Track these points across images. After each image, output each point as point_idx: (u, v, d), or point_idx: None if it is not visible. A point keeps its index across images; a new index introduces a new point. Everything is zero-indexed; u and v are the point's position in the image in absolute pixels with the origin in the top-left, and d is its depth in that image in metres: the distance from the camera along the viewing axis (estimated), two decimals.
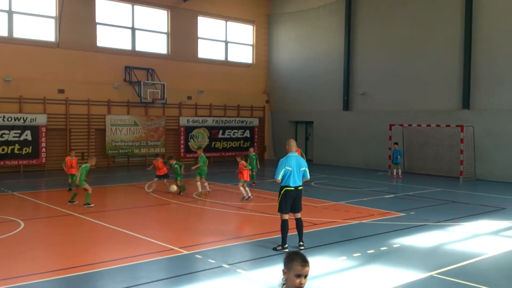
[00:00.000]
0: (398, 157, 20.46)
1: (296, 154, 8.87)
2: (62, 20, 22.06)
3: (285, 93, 28.48)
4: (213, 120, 26.81)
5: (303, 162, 8.82)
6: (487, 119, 19.76)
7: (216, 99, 27.09)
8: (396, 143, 20.79)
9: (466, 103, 20.49)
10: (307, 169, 8.83)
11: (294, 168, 8.61)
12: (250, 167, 15.62)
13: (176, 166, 15.12)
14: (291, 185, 8.60)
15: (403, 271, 7.54)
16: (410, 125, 21.54)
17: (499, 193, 15.97)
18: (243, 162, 14.39)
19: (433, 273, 7.41)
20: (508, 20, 19.32)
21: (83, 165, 13.32)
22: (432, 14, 21.71)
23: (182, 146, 25.77)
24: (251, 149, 17.80)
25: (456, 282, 7.03)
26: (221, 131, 27.14)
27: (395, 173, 20.46)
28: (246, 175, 14.22)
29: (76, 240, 9.46)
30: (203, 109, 26.72)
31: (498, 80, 19.60)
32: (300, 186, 8.73)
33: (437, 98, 21.48)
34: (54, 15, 22.16)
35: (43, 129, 21.39)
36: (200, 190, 14.67)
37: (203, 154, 15.11)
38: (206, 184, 14.93)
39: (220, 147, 27.09)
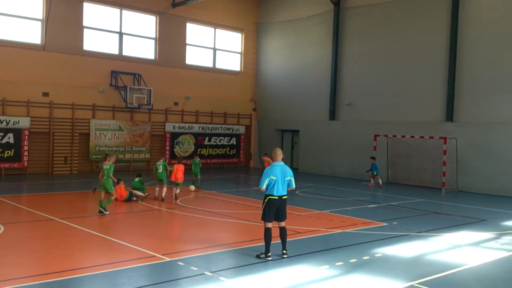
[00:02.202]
0: (372, 171, 21.08)
1: (282, 163, 8.87)
2: (48, 22, 21.90)
3: (272, 102, 28.58)
4: (199, 127, 26.76)
5: (289, 171, 8.82)
6: (470, 131, 20.05)
7: (203, 105, 27.07)
8: (372, 157, 21.21)
9: (449, 116, 20.79)
10: (292, 179, 8.84)
11: (278, 177, 8.62)
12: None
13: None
14: (275, 194, 8.61)
15: (384, 280, 7.58)
16: (394, 135, 21.76)
17: (480, 205, 16.19)
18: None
19: (414, 282, 7.46)
20: (493, 34, 19.70)
21: (108, 165, 12.64)
22: (418, 27, 22.04)
23: (167, 152, 25.64)
24: (196, 157, 18.78)
25: None
26: (207, 138, 27.09)
27: (372, 182, 21.06)
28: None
29: (57, 246, 9.33)
30: (189, 116, 26.67)
31: (482, 94, 19.93)
32: (284, 195, 8.73)
33: (422, 110, 21.76)
34: (40, 17, 21.99)
35: (26, 132, 21.12)
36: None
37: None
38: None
39: (206, 154, 27.01)
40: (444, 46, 21.04)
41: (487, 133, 19.54)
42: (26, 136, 21.14)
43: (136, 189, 15.34)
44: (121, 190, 14.59)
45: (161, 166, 15.12)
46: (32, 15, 21.87)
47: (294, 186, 8.92)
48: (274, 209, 8.65)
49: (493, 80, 19.59)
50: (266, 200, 8.68)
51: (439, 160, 20.17)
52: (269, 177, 8.61)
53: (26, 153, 21.23)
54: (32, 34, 21.90)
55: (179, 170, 15.39)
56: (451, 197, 18.34)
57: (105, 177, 12.63)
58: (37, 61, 21.73)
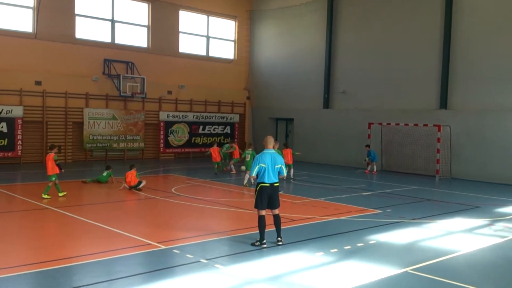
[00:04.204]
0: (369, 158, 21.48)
1: (272, 151, 8.87)
2: (40, 10, 21.64)
3: (266, 90, 28.50)
4: (193, 116, 26.68)
5: (279, 159, 8.83)
6: (463, 119, 20.13)
7: (196, 94, 26.95)
8: (367, 146, 21.65)
9: (443, 103, 20.84)
10: (283, 166, 8.86)
11: (268, 165, 8.63)
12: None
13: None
14: (266, 181, 8.63)
15: (378, 267, 7.64)
16: (388, 123, 21.82)
17: (473, 192, 16.31)
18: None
19: (408, 269, 7.53)
20: (487, 22, 19.69)
21: (251, 151, 15.31)
22: (412, 15, 21.98)
23: (161, 141, 25.59)
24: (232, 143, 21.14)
25: (430, 278, 7.17)
26: (201, 127, 27.03)
27: (369, 169, 21.48)
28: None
29: (52, 234, 9.33)
30: (183, 104, 26.56)
31: (475, 81, 19.97)
32: (275, 182, 8.75)
33: (416, 97, 21.80)
34: (32, 5, 21.72)
35: (19, 121, 20.99)
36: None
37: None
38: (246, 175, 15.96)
39: (200, 143, 26.99)
40: (438, 33, 21.02)
41: (480, 121, 19.62)
42: (20, 125, 21.00)
43: (100, 181, 15.89)
44: (132, 176, 14.75)
45: (249, 155, 16.61)
46: (24, 3, 21.60)
47: (285, 174, 8.97)
48: (266, 197, 8.68)
49: (487, 68, 19.62)
50: (258, 188, 8.71)
51: (433, 147, 20.27)
52: (258, 164, 8.64)
53: (19, 142, 21.11)
54: (24, 22, 21.65)
55: (288, 154, 17.65)
56: (445, 184, 18.46)
57: (249, 160, 15.64)
58: (29, 49, 21.51)
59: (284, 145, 18.62)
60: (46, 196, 12.89)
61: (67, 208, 11.73)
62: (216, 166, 19.66)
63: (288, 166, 17.15)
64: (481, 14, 19.86)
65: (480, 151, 19.53)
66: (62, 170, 13.44)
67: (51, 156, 13.09)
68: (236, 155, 20.04)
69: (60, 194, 13.24)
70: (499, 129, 19.06)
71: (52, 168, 13.01)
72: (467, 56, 20.22)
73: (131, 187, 14.67)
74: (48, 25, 21.90)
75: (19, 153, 21.17)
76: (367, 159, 21.47)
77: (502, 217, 12.05)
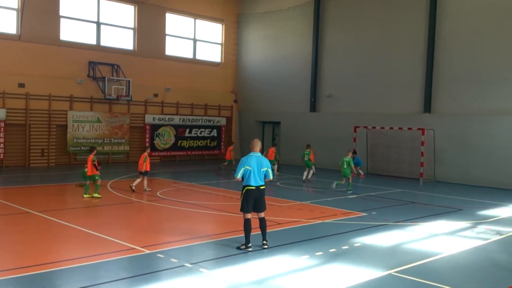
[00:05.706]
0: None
1: (259, 154, 8.86)
2: (24, 12, 21.39)
3: (253, 93, 28.53)
4: (180, 119, 26.58)
5: (265, 162, 8.82)
6: (447, 123, 20.37)
7: (183, 97, 26.87)
8: (353, 153, 21.56)
9: (427, 107, 21.08)
10: (269, 170, 8.84)
11: (254, 167, 8.62)
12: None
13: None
14: (252, 184, 8.62)
15: (363, 269, 7.69)
16: (374, 127, 21.98)
17: (457, 195, 16.50)
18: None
19: (392, 271, 7.58)
20: (471, 27, 19.98)
21: (349, 158, 16.11)
22: (397, 20, 22.23)
23: (147, 144, 25.38)
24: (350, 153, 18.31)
25: (414, 280, 7.22)
26: (187, 130, 26.93)
27: (355, 172, 21.45)
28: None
29: (35, 239, 9.20)
30: (169, 107, 26.45)
31: (459, 86, 20.24)
32: (262, 185, 8.74)
33: (400, 101, 22.02)
34: (16, 7, 21.48)
35: (2, 124, 20.69)
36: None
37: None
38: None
39: (187, 146, 26.90)
40: (422, 38, 21.28)
41: (464, 124, 19.87)
42: (2, 128, 20.70)
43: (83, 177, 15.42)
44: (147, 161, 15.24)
45: (345, 163, 16.37)
46: (8, 4, 21.34)
47: (271, 177, 8.92)
48: (252, 200, 8.66)
49: (471, 73, 19.89)
50: (244, 191, 8.69)
51: (417, 151, 20.47)
52: (244, 166, 8.62)
53: (1, 145, 20.81)
54: (7, 23, 21.38)
55: (312, 154, 19.62)
56: (429, 187, 18.65)
57: (345, 167, 16.01)
58: (13, 51, 21.25)
59: (307, 146, 20.26)
60: (87, 196, 13.69)
61: (50, 212, 11.58)
62: (225, 163, 22.22)
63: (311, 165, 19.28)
64: (465, 19, 20.15)
65: (464, 155, 19.77)
66: (99, 167, 14.12)
67: (90, 157, 13.81)
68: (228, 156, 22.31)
69: (95, 195, 13.78)
70: (482, 133, 19.32)
71: (91, 169, 13.80)
72: (451, 60, 20.49)
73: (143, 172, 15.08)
74: (32, 26, 21.66)
75: (1, 157, 20.86)
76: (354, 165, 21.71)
77: (484, 220, 12.21)
